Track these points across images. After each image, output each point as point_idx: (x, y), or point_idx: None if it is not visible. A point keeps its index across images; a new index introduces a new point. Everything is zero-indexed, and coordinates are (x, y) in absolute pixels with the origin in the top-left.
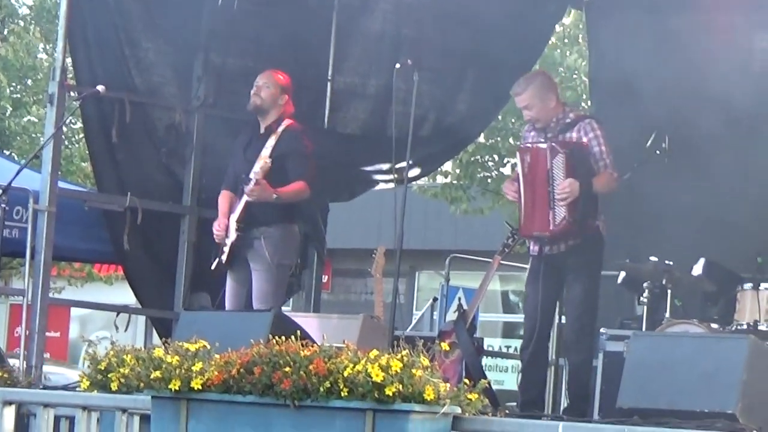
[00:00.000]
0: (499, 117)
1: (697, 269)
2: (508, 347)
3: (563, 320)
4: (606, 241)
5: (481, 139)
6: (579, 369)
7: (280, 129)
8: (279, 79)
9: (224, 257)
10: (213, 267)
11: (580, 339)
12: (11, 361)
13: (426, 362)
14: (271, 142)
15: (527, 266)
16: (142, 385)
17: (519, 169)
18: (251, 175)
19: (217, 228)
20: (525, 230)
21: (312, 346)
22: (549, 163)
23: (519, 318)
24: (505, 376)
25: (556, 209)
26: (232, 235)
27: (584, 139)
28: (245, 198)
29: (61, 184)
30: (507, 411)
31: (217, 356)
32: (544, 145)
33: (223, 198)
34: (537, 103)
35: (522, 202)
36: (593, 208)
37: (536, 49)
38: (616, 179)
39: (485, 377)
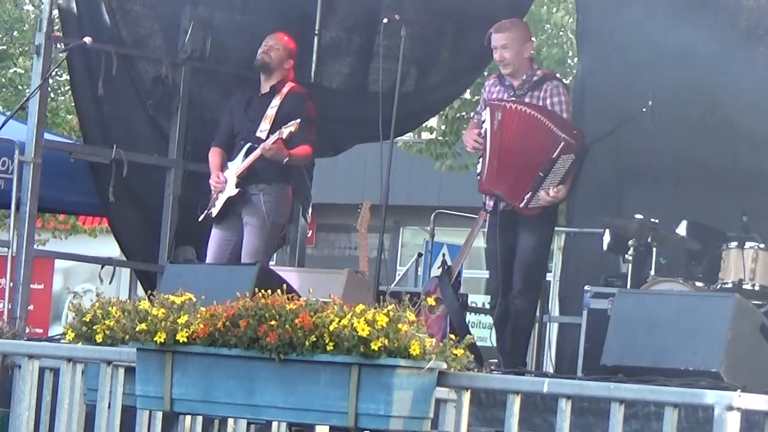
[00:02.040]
0: (485, 73)
1: (681, 229)
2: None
3: (547, 277)
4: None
5: (467, 95)
6: (521, 316)
7: (285, 89)
8: (288, 43)
9: (215, 210)
10: (200, 219)
11: (526, 289)
12: None
13: (412, 317)
14: (276, 102)
15: None
16: (127, 337)
17: (488, 124)
18: (263, 137)
19: (216, 181)
20: (488, 186)
21: (298, 300)
22: (556, 154)
23: None
24: (489, 333)
25: (537, 195)
26: (231, 190)
27: (548, 101)
28: (254, 155)
29: (47, 136)
30: (492, 367)
31: (202, 309)
32: (558, 132)
33: (215, 154)
34: (516, 46)
35: (487, 157)
36: None
37: (522, 5)
38: None
39: (470, 333)
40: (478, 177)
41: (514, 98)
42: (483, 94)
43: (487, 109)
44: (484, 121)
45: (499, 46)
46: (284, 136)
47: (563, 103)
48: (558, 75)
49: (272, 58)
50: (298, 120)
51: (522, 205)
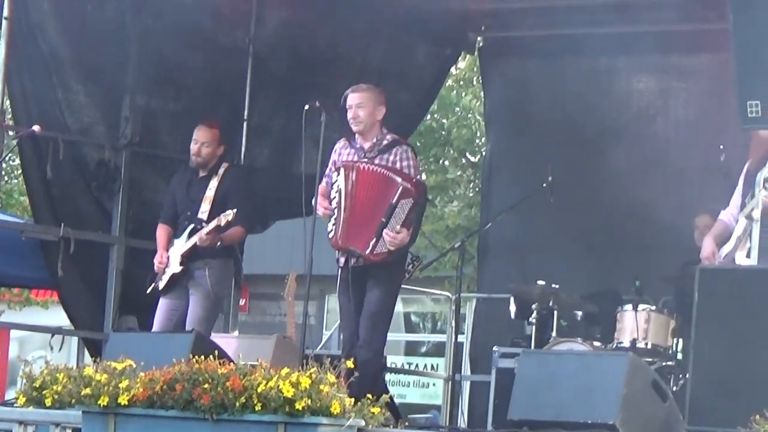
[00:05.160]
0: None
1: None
2: (410, 364)
3: (459, 339)
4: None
5: None
6: (367, 366)
7: (221, 171)
8: (214, 133)
9: (161, 284)
10: (148, 291)
11: (372, 338)
12: None
13: (332, 379)
14: (214, 183)
15: (428, 290)
16: (73, 401)
17: (342, 184)
18: (205, 218)
19: (159, 261)
20: (341, 242)
21: (229, 365)
22: (396, 199)
23: (421, 337)
24: (407, 390)
25: (382, 240)
26: (175, 268)
27: (398, 165)
28: (194, 240)
29: (2, 216)
30: (407, 423)
31: (142, 374)
32: (397, 178)
33: (162, 231)
34: (370, 106)
35: (341, 215)
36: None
37: (432, 90)
38: None
39: (387, 392)
40: (330, 235)
41: (365, 160)
42: (333, 156)
43: (342, 169)
44: (335, 182)
45: (354, 104)
46: (222, 224)
47: (412, 167)
48: (408, 141)
49: (204, 156)
50: (235, 210)
51: (368, 251)
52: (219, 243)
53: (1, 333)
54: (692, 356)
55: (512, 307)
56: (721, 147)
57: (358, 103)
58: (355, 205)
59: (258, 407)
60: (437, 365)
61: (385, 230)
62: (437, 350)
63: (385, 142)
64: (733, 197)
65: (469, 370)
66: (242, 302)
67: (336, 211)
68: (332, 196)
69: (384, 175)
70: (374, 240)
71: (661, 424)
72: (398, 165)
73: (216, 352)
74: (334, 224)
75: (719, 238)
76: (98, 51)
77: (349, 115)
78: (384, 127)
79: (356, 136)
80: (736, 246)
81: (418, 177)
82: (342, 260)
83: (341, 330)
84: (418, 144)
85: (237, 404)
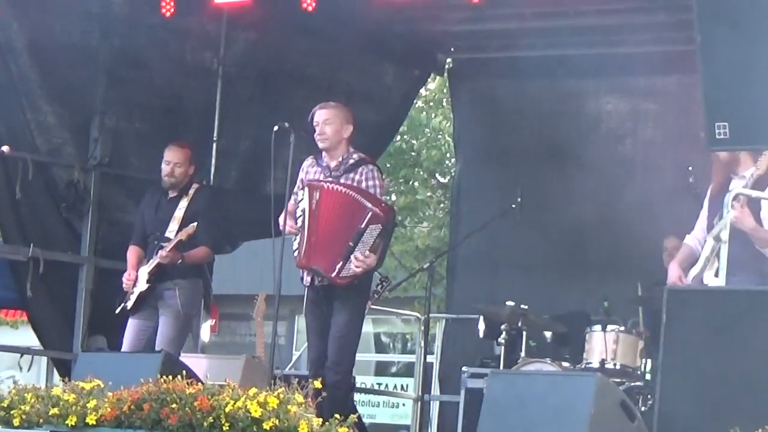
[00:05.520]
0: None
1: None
2: (379, 384)
3: (429, 359)
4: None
5: None
6: (336, 387)
7: (192, 191)
8: (186, 153)
9: (130, 304)
10: (117, 311)
11: (341, 360)
12: None
13: (300, 399)
14: (183, 203)
15: (398, 311)
16: (41, 420)
17: (305, 203)
18: (172, 237)
19: (127, 279)
20: (306, 261)
21: (197, 385)
22: (364, 224)
23: (391, 357)
24: (377, 411)
25: (349, 264)
26: (142, 286)
27: (363, 184)
28: (156, 260)
29: None
30: None
31: (110, 394)
32: (366, 203)
33: (132, 252)
34: (337, 123)
35: (305, 234)
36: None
37: (401, 111)
38: None
39: (355, 412)
40: (295, 253)
41: (330, 179)
42: (300, 174)
43: (306, 189)
44: (301, 200)
45: (321, 121)
46: (184, 239)
47: (377, 186)
48: (374, 161)
49: (177, 177)
50: (195, 224)
51: (335, 274)
52: (180, 261)
53: None
54: (660, 376)
55: (481, 327)
56: (690, 168)
57: (325, 120)
58: (319, 225)
59: (226, 427)
60: (407, 385)
61: (353, 255)
62: (407, 370)
63: (351, 161)
64: (699, 220)
65: (439, 391)
66: (212, 322)
67: (300, 230)
68: (298, 215)
69: (352, 198)
70: (341, 263)
71: None
72: (363, 184)
73: (185, 372)
74: (298, 243)
75: (685, 263)
76: (67, 72)
77: (316, 131)
78: (352, 146)
79: (323, 154)
80: (704, 267)
81: (387, 201)
82: (308, 279)
83: (308, 349)
84: (388, 165)
85: (205, 424)
